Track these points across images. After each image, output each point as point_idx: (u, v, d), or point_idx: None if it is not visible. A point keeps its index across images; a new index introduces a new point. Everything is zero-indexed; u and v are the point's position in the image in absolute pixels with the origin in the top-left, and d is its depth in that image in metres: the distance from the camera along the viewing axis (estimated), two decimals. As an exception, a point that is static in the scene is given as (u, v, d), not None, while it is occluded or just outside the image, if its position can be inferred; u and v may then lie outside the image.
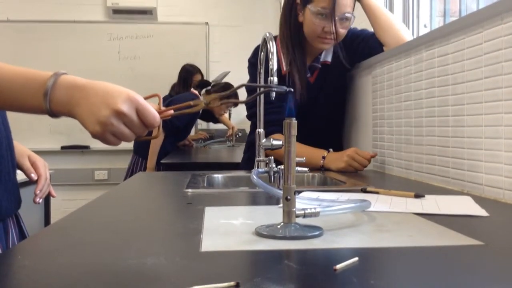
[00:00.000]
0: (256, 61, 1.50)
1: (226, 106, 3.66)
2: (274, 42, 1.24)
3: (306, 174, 1.46)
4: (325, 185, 1.46)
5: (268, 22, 4.49)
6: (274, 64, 1.19)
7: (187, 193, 1.11)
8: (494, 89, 1.02)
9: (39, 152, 1.24)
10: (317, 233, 0.67)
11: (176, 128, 3.15)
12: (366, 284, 0.48)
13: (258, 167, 1.28)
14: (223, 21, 4.70)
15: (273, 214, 0.82)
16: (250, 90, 1.53)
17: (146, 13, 4.57)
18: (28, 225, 1.18)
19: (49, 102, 0.70)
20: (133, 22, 4.59)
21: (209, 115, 3.90)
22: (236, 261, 0.59)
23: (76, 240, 0.69)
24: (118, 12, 4.55)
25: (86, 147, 4.47)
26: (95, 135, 0.71)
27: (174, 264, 0.56)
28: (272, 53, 1.21)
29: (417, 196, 1.00)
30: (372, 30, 1.73)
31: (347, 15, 1.63)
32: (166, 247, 0.65)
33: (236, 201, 1.07)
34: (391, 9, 2.08)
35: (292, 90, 0.79)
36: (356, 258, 0.54)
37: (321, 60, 1.78)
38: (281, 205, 0.69)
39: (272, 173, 1.21)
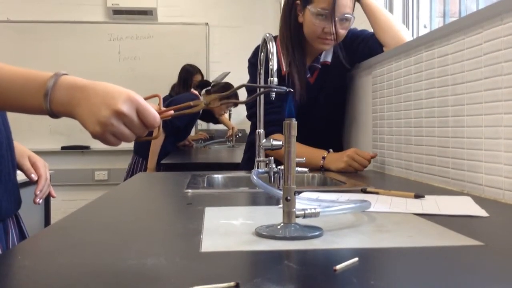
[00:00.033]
0: (256, 61, 1.50)
1: (226, 106, 3.66)
2: (274, 43, 1.24)
3: (306, 174, 1.46)
4: (325, 185, 1.46)
5: (268, 23, 4.49)
6: (274, 65, 1.19)
7: (187, 194, 1.11)
8: (494, 90, 1.02)
9: (39, 153, 1.24)
10: (317, 233, 0.67)
11: (176, 129, 3.15)
12: (366, 284, 0.48)
13: (258, 168, 1.28)
14: (223, 22, 4.70)
15: (273, 215, 0.82)
16: (250, 90, 1.53)
17: (146, 13, 4.57)
18: (28, 225, 1.18)
19: (49, 103, 0.70)
20: (133, 23, 4.59)
21: (209, 116, 3.90)
22: (236, 261, 0.59)
23: (76, 240, 0.70)
24: (119, 12, 4.56)
25: (86, 148, 4.47)
26: (95, 136, 0.71)
27: (174, 264, 0.56)
28: (272, 54, 1.21)
29: (417, 196, 1.00)
30: (372, 30, 1.73)
31: (347, 15, 1.63)
32: (166, 247, 0.65)
33: (236, 201, 1.07)
34: (391, 9, 2.08)
35: (292, 90, 0.79)
36: (356, 259, 0.54)
37: (321, 60, 1.78)
38: (281, 205, 0.69)
39: (272, 173, 1.21)
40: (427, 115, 1.31)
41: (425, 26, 1.97)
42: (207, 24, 4.67)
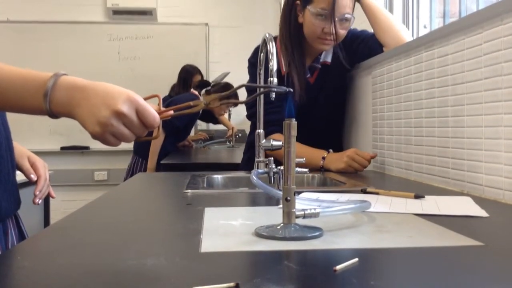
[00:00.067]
0: (256, 61, 1.50)
1: (226, 106, 3.66)
2: (274, 43, 1.24)
3: (306, 174, 1.46)
4: (325, 185, 1.46)
5: (268, 23, 4.49)
6: (273, 65, 1.19)
7: (187, 194, 1.11)
8: (494, 90, 1.02)
9: (38, 153, 1.24)
10: (317, 233, 0.67)
11: (176, 129, 3.15)
12: (366, 285, 0.48)
13: (258, 168, 1.28)
14: (223, 22, 4.70)
15: (273, 215, 0.82)
16: (250, 90, 1.53)
17: (146, 13, 4.57)
18: (28, 226, 1.18)
19: (49, 103, 0.70)
20: (133, 23, 4.59)
21: (209, 116, 3.90)
22: (236, 261, 0.59)
23: (75, 240, 0.69)
24: (118, 12, 4.56)
25: (86, 148, 4.47)
26: (95, 136, 0.71)
27: (174, 264, 0.56)
28: (272, 54, 1.21)
29: (417, 196, 1.00)
30: (372, 31, 1.73)
31: (347, 16, 1.63)
32: (166, 247, 0.65)
33: (236, 201, 1.07)
34: (391, 9, 2.08)
35: (291, 90, 0.79)
36: (356, 259, 0.54)
37: (321, 60, 1.78)
38: (281, 205, 0.69)
39: (272, 173, 1.21)
40: (427, 115, 1.31)
41: (425, 27, 1.97)
42: (207, 24, 4.67)
